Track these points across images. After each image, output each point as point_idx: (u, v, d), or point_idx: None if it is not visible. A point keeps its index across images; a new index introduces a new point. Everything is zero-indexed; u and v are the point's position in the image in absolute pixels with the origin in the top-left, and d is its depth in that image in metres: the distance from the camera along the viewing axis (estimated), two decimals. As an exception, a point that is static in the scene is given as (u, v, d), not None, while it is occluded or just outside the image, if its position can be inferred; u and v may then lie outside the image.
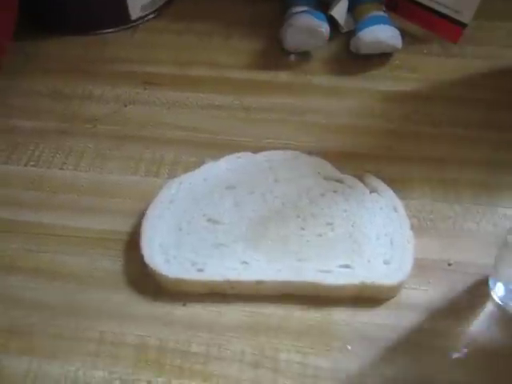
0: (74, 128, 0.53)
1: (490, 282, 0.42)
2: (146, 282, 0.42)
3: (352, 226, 0.43)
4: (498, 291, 0.41)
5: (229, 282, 0.40)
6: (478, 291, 0.42)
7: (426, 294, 0.42)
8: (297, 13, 0.57)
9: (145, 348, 0.39)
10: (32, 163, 0.50)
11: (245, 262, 0.41)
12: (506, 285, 0.41)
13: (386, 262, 0.41)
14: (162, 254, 0.42)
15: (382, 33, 0.56)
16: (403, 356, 0.39)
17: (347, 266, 0.41)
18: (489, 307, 0.41)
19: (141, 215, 0.45)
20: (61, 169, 0.50)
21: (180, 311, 0.41)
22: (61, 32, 0.62)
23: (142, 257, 0.42)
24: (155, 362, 0.38)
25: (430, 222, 0.46)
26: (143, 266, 0.42)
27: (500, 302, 0.41)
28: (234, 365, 0.38)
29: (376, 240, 0.43)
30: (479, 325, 0.40)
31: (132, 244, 0.44)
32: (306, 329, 0.40)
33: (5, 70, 0.56)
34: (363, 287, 0.40)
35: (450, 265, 0.43)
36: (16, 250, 0.44)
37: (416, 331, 0.40)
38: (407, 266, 0.41)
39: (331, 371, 0.38)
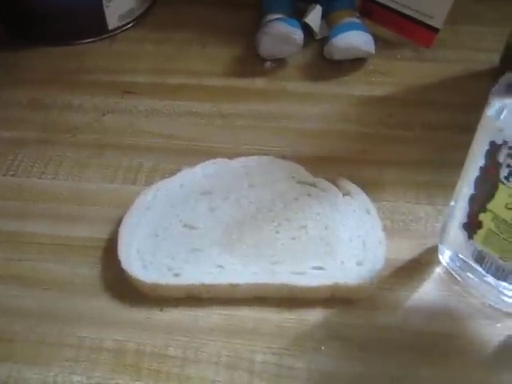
0: (53, 137, 0.54)
1: (439, 249, 0.44)
2: (123, 288, 0.43)
3: (325, 228, 0.44)
4: (445, 257, 0.44)
5: (204, 286, 0.41)
6: (450, 290, 0.43)
7: (398, 294, 0.42)
8: (271, 20, 0.58)
9: (123, 353, 0.40)
10: (11, 173, 0.51)
11: (220, 266, 0.42)
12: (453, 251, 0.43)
13: (358, 264, 0.42)
14: (139, 260, 0.42)
15: (355, 39, 0.57)
16: (377, 355, 0.39)
17: (320, 268, 0.42)
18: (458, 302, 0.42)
19: (118, 222, 0.45)
20: (40, 178, 0.50)
21: (157, 316, 0.41)
22: (39, 43, 0.63)
23: (119, 263, 0.42)
24: (133, 367, 0.39)
25: (402, 223, 0.47)
26: (121, 271, 0.42)
27: (447, 267, 0.43)
28: (211, 367, 0.39)
29: (349, 242, 0.44)
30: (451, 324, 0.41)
31: (110, 250, 0.44)
32: (280, 330, 0.41)
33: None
34: (336, 288, 0.41)
35: (421, 264, 0.44)
36: (-3, 259, 0.45)
37: (389, 330, 0.41)
38: (379, 266, 0.42)
39: (306, 371, 0.39)
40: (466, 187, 0.40)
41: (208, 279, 0.41)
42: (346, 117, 0.55)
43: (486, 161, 0.37)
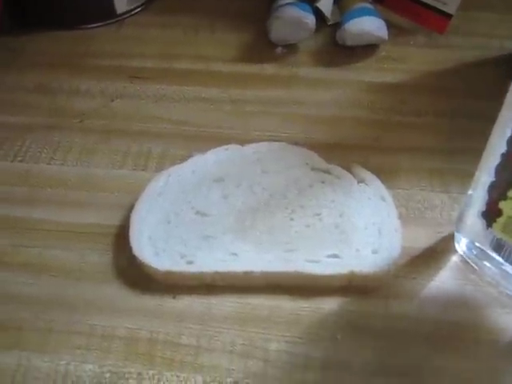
0: (61, 123, 0.53)
1: (455, 237, 0.43)
2: (135, 275, 0.42)
3: (340, 216, 0.44)
4: (461, 245, 0.43)
5: (218, 274, 0.40)
6: (467, 279, 0.42)
7: (415, 283, 0.42)
8: (282, 5, 0.57)
9: (135, 341, 0.39)
10: (19, 158, 0.50)
11: (234, 254, 0.41)
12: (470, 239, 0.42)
13: (374, 252, 0.42)
14: (151, 247, 0.42)
15: (368, 24, 0.56)
16: (392, 344, 0.39)
17: (335, 256, 0.41)
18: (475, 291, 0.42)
19: (129, 209, 0.44)
20: (48, 164, 0.50)
21: (170, 303, 0.41)
22: (46, 27, 0.62)
23: (130, 250, 0.42)
24: (146, 355, 0.38)
25: (417, 211, 0.46)
26: (132, 259, 0.42)
27: (464, 255, 0.43)
28: (225, 355, 0.38)
29: (364, 230, 0.43)
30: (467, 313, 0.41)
31: (121, 237, 0.44)
32: (295, 319, 0.40)
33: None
34: (352, 276, 0.40)
35: (437, 253, 0.43)
36: (4, 246, 0.44)
37: (405, 319, 0.40)
38: (395, 254, 0.41)
39: (321, 360, 0.38)
40: (485, 175, 0.39)
41: (222, 267, 0.40)
42: (358, 103, 0.54)
43: (508, 147, 0.36)
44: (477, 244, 0.41)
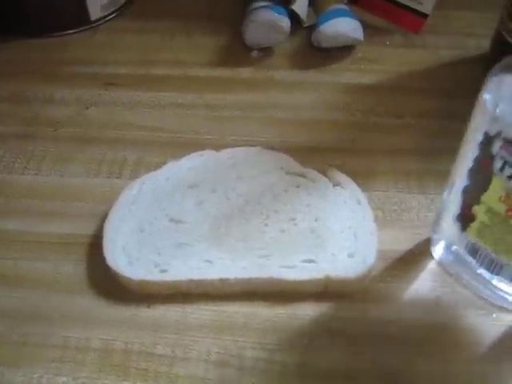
0: (36, 132, 0.52)
1: (432, 240, 0.43)
2: (109, 285, 0.41)
3: (315, 220, 0.43)
4: (438, 249, 0.43)
5: (193, 282, 0.40)
6: (444, 282, 0.42)
7: (392, 286, 0.42)
8: (257, 8, 0.57)
9: (110, 352, 0.39)
10: (-8, 169, 0.50)
11: (208, 261, 0.41)
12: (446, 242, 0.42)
13: (350, 255, 0.42)
14: (125, 256, 0.41)
15: (343, 26, 0.56)
16: (370, 349, 0.39)
17: (311, 261, 0.41)
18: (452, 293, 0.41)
19: (103, 218, 0.44)
20: (22, 174, 0.49)
21: (145, 313, 0.40)
22: (20, 34, 0.61)
23: (104, 259, 0.41)
24: (120, 366, 0.38)
25: (394, 213, 0.46)
26: (106, 268, 0.41)
27: (440, 258, 0.42)
28: (200, 365, 0.38)
29: (340, 233, 0.43)
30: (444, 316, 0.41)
31: (95, 247, 0.43)
32: (271, 325, 0.40)
33: (-38, 74, 0.56)
34: (327, 281, 0.40)
35: (414, 255, 0.43)
36: (-23, 258, 0.44)
37: (382, 323, 0.40)
38: (371, 258, 0.41)
39: (297, 367, 0.38)
40: (459, 178, 0.39)
41: (196, 275, 0.40)
42: (335, 105, 0.54)
43: (480, 152, 0.36)
44: (453, 247, 0.41)
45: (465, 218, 0.39)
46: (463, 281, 0.41)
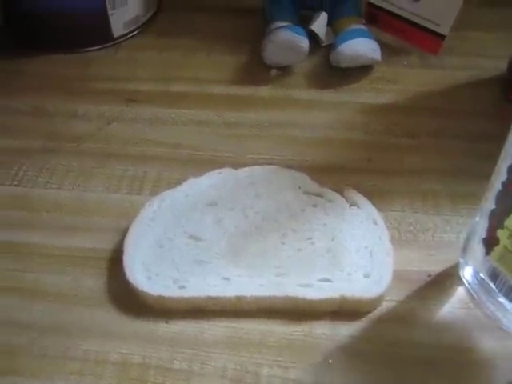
0: (58, 146, 0.53)
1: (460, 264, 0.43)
2: (129, 300, 0.42)
3: (332, 239, 0.44)
4: (466, 274, 0.43)
5: (210, 299, 0.41)
6: (458, 302, 0.42)
7: (407, 306, 0.42)
8: (277, 28, 0.58)
9: (128, 366, 0.39)
10: (15, 183, 0.51)
11: (226, 278, 0.42)
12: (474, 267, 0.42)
13: (366, 275, 0.42)
14: (144, 272, 0.42)
15: (361, 46, 0.57)
16: (385, 369, 0.39)
17: (327, 280, 0.42)
18: (468, 314, 0.42)
19: (123, 233, 0.45)
20: (45, 188, 0.50)
21: (163, 328, 0.41)
22: (43, 50, 0.62)
23: (124, 274, 0.42)
24: (138, 380, 0.39)
25: (409, 233, 0.46)
26: (126, 283, 0.42)
27: (468, 286, 0.42)
28: (216, 381, 0.38)
29: (356, 253, 0.43)
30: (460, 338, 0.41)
31: (115, 262, 0.44)
32: (287, 343, 0.40)
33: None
34: (343, 300, 0.41)
35: (429, 276, 0.44)
36: (1, 271, 0.44)
37: (397, 344, 0.40)
38: (387, 278, 0.42)
39: (313, 384, 0.38)
40: (487, 202, 0.39)
41: (214, 292, 0.41)
42: (352, 125, 0.55)
43: (508, 176, 0.36)
44: (478, 271, 0.41)
45: (489, 242, 0.39)
46: (482, 305, 0.41)
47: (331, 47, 0.60)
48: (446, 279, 0.43)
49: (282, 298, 0.41)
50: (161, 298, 0.41)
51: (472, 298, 0.42)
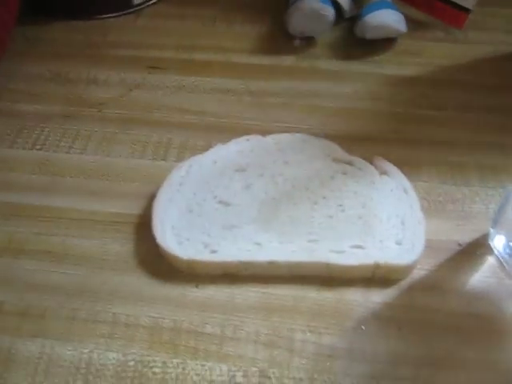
0: (80, 112, 0.53)
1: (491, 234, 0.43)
2: (157, 264, 0.42)
3: (363, 207, 0.43)
4: (497, 244, 0.42)
5: (242, 264, 0.40)
6: (489, 272, 0.42)
7: (438, 275, 0.42)
8: (301, -3, 0.57)
9: (159, 329, 0.39)
10: (38, 147, 0.50)
11: (257, 244, 0.41)
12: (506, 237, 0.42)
13: (397, 243, 0.42)
14: (175, 236, 0.42)
15: (387, 17, 0.56)
16: (416, 336, 0.39)
17: (359, 247, 0.41)
18: (498, 283, 0.41)
19: (149, 198, 0.44)
20: (67, 153, 0.49)
21: (193, 292, 0.41)
22: (63, 17, 0.62)
23: (153, 239, 0.41)
24: (169, 344, 0.38)
25: (438, 203, 0.46)
26: (155, 248, 0.41)
27: (499, 256, 0.42)
28: (249, 345, 0.38)
29: (387, 221, 0.43)
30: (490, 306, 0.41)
31: (143, 227, 0.43)
32: (319, 309, 0.40)
33: (6, 54, 0.56)
34: (376, 267, 0.40)
35: (459, 245, 0.43)
36: (25, 234, 0.44)
37: (428, 311, 0.40)
38: (419, 246, 0.41)
39: (346, 351, 0.38)
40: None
41: (245, 256, 0.40)
42: (377, 96, 0.54)
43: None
44: (509, 241, 0.41)
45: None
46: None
47: (353, 19, 0.59)
48: (476, 249, 0.43)
49: (313, 264, 0.40)
50: (192, 262, 0.40)
51: (502, 267, 0.42)
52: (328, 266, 0.40)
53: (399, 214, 0.43)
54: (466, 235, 0.44)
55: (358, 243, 0.41)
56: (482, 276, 0.42)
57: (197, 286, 0.41)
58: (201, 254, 0.41)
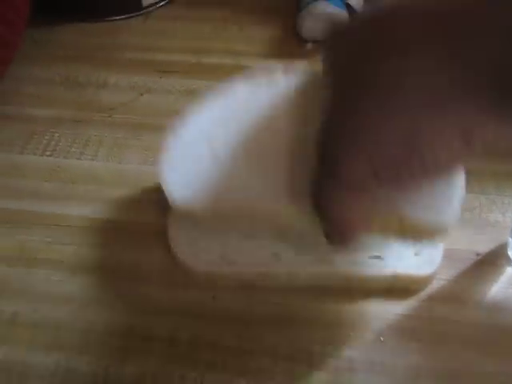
0: (90, 117, 0.52)
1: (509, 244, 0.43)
2: (173, 275, 0.41)
3: (381, 216, 0.43)
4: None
5: (259, 274, 0.40)
6: (509, 282, 0.42)
7: (457, 285, 0.41)
8: (314, 0, 0.56)
9: (176, 341, 0.38)
10: (48, 153, 0.49)
11: (275, 254, 0.40)
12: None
13: (416, 253, 0.41)
14: (191, 246, 0.41)
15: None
16: (436, 347, 0.38)
17: (378, 257, 0.41)
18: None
19: (165, 206, 0.44)
20: (78, 159, 0.49)
21: (210, 304, 0.40)
22: (71, 19, 0.61)
23: (169, 248, 0.41)
24: (187, 356, 0.38)
25: (456, 213, 0.45)
26: (171, 257, 0.41)
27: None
28: (268, 358, 0.38)
29: (406, 231, 0.42)
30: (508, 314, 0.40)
31: (158, 235, 0.43)
32: (338, 321, 0.39)
33: (15, 57, 0.55)
34: (395, 278, 0.40)
35: (478, 255, 0.43)
36: (37, 243, 0.43)
37: (447, 322, 0.39)
38: (438, 256, 0.41)
39: (366, 363, 0.37)
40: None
41: (263, 267, 0.40)
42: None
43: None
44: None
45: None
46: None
47: (366, 22, 0.58)
48: (495, 259, 0.43)
49: (332, 275, 0.40)
50: (208, 273, 0.40)
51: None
52: (347, 276, 0.40)
53: (418, 224, 0.43)
54: (484, 245, 0.43)
55: (376, 253, 0.41)
56: (501, 287, 0.41)
57: (213, 297, 0.40)
58: (217, 265, 0.40)
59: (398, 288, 0.40)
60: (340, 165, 0.30)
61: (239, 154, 0.39)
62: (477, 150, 0.29)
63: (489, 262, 0.43)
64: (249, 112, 0.41)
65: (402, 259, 0.41)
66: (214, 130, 0.41)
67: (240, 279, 0.40)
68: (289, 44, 0.59)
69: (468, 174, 0.47)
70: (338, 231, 0.34)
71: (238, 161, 0.39)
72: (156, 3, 0.62)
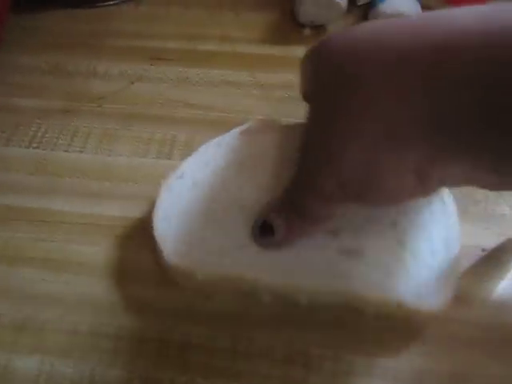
0: (79, 107, 0.50)
1: None
2: (163, 274, 0.39)
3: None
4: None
5: (254, 279, 0.38)
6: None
7: (462, 282, 0.39)
8: (311, -16, 0.54)
9: (166, 343, 0.36)
10: (34, 145, 0.47)
11: (272, 257, 0.38)
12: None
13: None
14: (183, 245, 0.39)
15: (403, 5, 0.53)
16: (442, 349, 0.36)
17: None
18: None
19: (154, 200, 0.42)
20: (66, 151, 0.46)
21: (203, 304, 0.38)
22: (60, 4, 0.58)
23: (159, 247, 0.39)
24: (178, 359, 0.36)
25: (459, 205, 0.43)
26: (161, 257, 0.39)
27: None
28: (263, 361, 0.36)
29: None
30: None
31: (147, 232, 0.40)
32: (337, 323, 0.37)
33: (1, 44, 0.53)
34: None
35: (483, 251, 0.41)
36: (22, 240, 0.41)
37: (454, 323, 0.37)
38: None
39: (365, 367, 0.36)
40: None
41: (259, 270, 0.38)
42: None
43: None
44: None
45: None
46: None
47: (367, 7, 0.56)
48: (501, 254, 0.41)
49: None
50: (200, 273, 0.38)
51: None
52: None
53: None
54: (489, 239, 0.41)
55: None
56: (508, 284, 0.39)
57: (207, 298, 0.38)
58: (209, 265, 0.38)
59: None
60: (307, 208, 0.35)
61: (235, 211, 0.39)
62: (432, 187, 0.33)
63: (495, 258, 0.41)
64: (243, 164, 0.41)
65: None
66: (210, 183, 0.40)
67: (235, 281, 0.38)
68: (286, 29, 0.56)
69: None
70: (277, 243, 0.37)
71: (233, 218, 0.39)
72: (148, -12, 0.60)
